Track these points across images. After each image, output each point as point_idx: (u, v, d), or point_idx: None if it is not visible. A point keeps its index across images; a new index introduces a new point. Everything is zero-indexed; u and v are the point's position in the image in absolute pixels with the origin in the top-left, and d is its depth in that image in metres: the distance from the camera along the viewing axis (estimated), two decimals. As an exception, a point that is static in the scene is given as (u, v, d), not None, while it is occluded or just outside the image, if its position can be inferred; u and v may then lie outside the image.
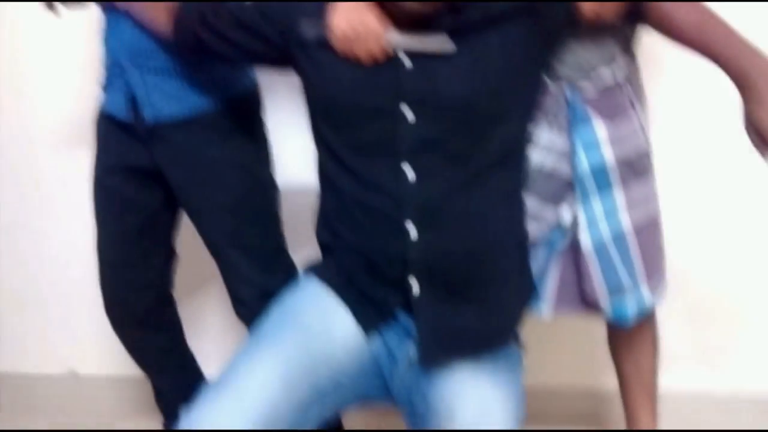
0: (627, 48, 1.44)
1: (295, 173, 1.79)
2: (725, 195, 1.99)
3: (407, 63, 1.25)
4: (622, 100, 1.43)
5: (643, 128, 1.46)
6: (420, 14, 1.20)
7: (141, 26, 1.51)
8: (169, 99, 1.55)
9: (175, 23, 1.43)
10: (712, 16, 1.28)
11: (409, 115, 1.24)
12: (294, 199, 1.74)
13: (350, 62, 1.25)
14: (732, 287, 2.04)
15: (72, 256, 2.19)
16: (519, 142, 1.34)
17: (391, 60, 1.25)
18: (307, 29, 1.28)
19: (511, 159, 1.33)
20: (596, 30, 1.32)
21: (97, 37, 1.62)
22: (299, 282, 1.41)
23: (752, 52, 1.23)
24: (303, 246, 1.62)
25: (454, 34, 1.23)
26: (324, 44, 1.27)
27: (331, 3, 1.28)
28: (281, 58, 1.37)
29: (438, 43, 1.22)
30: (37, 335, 2.29)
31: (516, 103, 1.30)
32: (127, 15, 1.52)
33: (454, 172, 1.26)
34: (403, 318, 1.31)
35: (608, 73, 1.40)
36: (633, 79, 1.46)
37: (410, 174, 1.25)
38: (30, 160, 2.17)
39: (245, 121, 1.62)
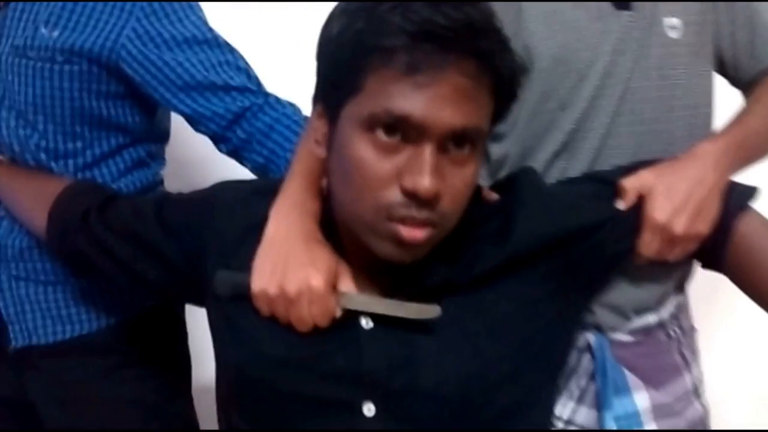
0: (681, 286, 1.05)
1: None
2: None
3: (367, 326, 0.82)
4: (668, 348, 1.02)
5: (696, 386, 1.05)
6: (399, 264, 0.78)
7: (15, 220, 1.13)
8: (48, 317, 1.15)
9: (48, 222, 1.02)
10: None
11: (369, 412, 0.81)
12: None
13: (280, 327, 0.82)
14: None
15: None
16: None
17: (344, 324, 0.82)
18: (223, 284, 0.85)
19: None
20: (648, 267, 0.93)
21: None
22: None
23: None
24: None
25: (443, 292, 0.81)
26: (245, 299, 0.85)
27: (264, 239, 0.85)
28: (187, 292, 0.96)
29: (415, 308, 0.81)
30: None
31: (532, 389, 0.86)
32: (1, 204, 1.15)
33: None
34: None
35: (653, 317, 1.00)
36: (680, 314, 1.06)
37: None
38: None
39: (155, 342, 1.21)
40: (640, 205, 0.87)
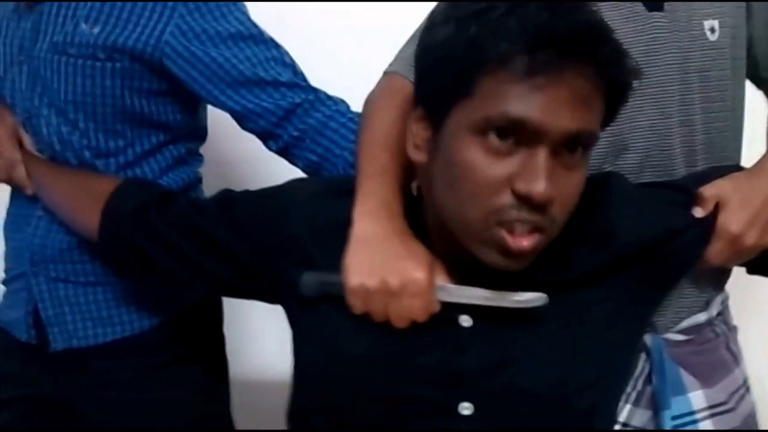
0: (724, 284, 1.06)
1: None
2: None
3: (466, 323, 0.80)
4: (716, 345, 1.04)
5: (745, 381, 1.06)
6: (505, 270, 0.76)
7: (57, 221, 1.11)
8: (88, 319, 1.13)
9: (102, 220, 0.99)
10: None
11: (465, 411, 0.79)
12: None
13: (372, 324, 0.80)
14: None
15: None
16: None
17: (441, 321, 0.80)
18: (310, 285, 0.83)
19: None
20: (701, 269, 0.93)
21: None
22: None
23: None
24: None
25: (543, 289, 0.80)
26: (333, 297, 0.83)
27: (352, 239, 0.82)
28: (254, 288, 0.93)
29: (520, 297, 0.79)
30: None
31: (609, 392, 0.87)
32: (40, 204, 1.11)
33: None
34: None
35: (702, 316, 1.01)
36: (725, 311, 1.07)
37: None
38: None
39: (194, 343, 1.19)
40: (714, 214, 0.87)
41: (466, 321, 0.80)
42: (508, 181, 0.71)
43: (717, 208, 0.87)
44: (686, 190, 0.89)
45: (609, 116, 0.77)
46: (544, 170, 0.70)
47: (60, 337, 1.12)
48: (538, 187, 0.70)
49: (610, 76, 0.72)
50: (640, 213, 0.85)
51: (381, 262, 0.79)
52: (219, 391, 1.23)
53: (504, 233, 0.72)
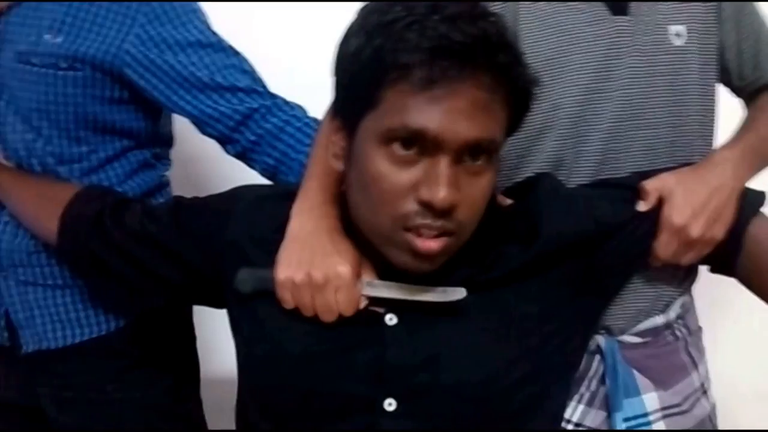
0: (687, 288, 1.05)
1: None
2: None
3: (391, 321, 0.83)
4: (675, 348, 1.03)
5: (702, 384, 1.06)
6: (418, 274, 0.79)
7: (23, 225, 1.13)
8: (57, 321, 1.15)
9: (60, 226, 1.01)
10: None
11: (390, 407, 0.82)
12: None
13: (304, 321, 0.84)
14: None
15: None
16: None
17: (368, 319, 0.83)
18: (245, 280, 0.86)
19: None
20: (658, 270, 0.94)
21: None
22: None
23: None
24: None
25: (467, 287, 0.82)
26: (267, 295, 0.86)
27: (287, 235, 0.86)
28: (203, 293, 0.95)
29: (440, 291, 0.82)
30: None
31: (547, 390, 0.87)
32: (5, 209, 1.14)
33: None
34: None
35: (660, 319, 1.01)
36: (686, 314, 1.06)
37: None
38: None
39: (165, 343, 1.21)
40: (659, 207, 0.88)
41: (391, 319, 0.82)
42: (412, 188, 0.74)
43: (661, 201, 0.88)
44: (629, 186, 0.90)
45: (513, 123, 0.79)
46: (445, 178, 0.72)
47: (31, 340, 1.15)
48: (440, 194, 0.72)
49: (509, 83, 0.74)
50: (568, 211, 0.86)
51: (308, 257, 0.83)
52: (189, 390, 1.25)
53: (412, 237, 0.75)
